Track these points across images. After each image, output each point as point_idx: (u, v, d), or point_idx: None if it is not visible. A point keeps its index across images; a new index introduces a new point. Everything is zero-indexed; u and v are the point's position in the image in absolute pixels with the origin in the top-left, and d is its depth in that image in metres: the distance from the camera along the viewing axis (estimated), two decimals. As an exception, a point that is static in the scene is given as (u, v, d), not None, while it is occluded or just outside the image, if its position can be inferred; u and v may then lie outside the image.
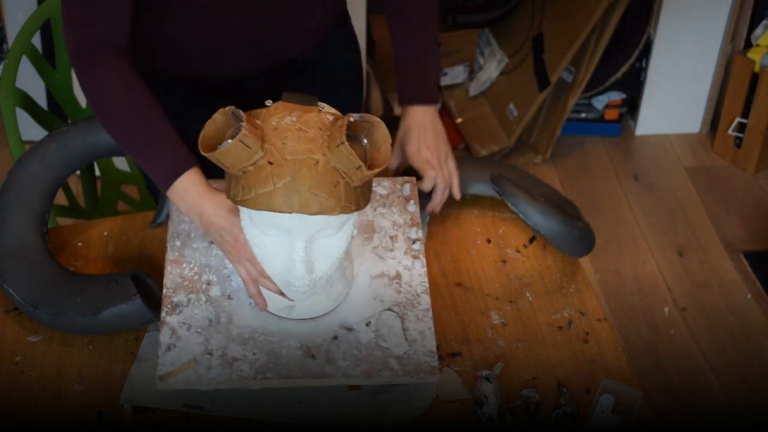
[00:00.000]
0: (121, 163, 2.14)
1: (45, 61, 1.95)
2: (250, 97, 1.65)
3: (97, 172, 2.13)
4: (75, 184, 2.69)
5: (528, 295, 1.55)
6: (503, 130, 3.23)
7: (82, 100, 2.06)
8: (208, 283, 1.42)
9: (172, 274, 1.43)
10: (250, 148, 1.20)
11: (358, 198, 1.25)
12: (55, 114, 2.02)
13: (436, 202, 1.60)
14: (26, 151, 1.58)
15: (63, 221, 1.83)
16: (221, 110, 1.25)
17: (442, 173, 1.59)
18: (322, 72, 1.74)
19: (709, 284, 2.76)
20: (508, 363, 1.43)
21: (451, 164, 1.62)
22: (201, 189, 1.38)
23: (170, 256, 1.45)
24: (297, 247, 1.27)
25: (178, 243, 1.47)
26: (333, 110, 1.30)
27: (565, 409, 1.36)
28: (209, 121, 1.25)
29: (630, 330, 2.60)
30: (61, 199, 2.02)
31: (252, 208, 1.24)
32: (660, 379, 2.47)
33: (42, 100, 2.89)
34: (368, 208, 1.53)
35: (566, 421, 1.36)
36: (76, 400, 1.36)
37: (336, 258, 1.31)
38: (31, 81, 2.12)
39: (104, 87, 1.40)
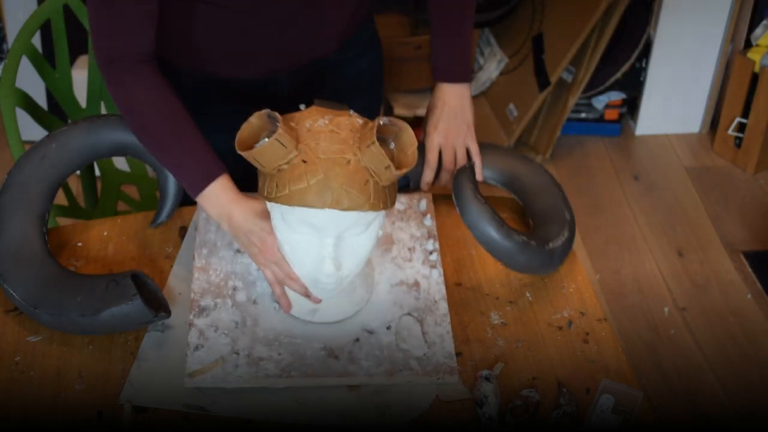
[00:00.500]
0: (121, 163, 2.14)
1: (45, 61, 1.95)
2: (273, 97, 1.66)
3: (97, 172, 2.13)
4: (75, 184, 2.68)
5: (528, 295, 1.55)
6: (503, 130, 3.23)
7: (82, 100, 2.06)
8: (234, 289, 1.47)
9: (199, 280, 1.47)
10: (285, 147, 1.26)
11: (386, 197, 1.32)
12: (55, 114, 2.02)
13: (442, 179, 1.64)
14: (26, 151, 1.58)
15: (63, 221, 1.83)
16: (257, 113, 1.31)
17: (447, 155, 1.63)
18: (346, 72, 1.74)
19: (709, 284, 2.77)
20: (508, 363, 1.43)
21: (473, 147, 1.65)
22: (231, 195, 1.42)
23: (197, 263, 1.50)
24: (327, 243, 1.32)
25: (204, 251, 1.51)
26: (361, 117, 1.35)
27: (565, 409, 1.36)
28: (245, 124, 1.31)
29: (630, 330, 2.60)
30: (61, 199, 2.01)
31: (286, 204, 1.29)
32: (660, 379, 2.47)
33: (42, 100, 2.88)
34: (387, 222, 1.59)
35: (566, 421, 1.36)
36: (76, 400, 1.36)
37: (363, 257, 1.36)
38: (31, 81, 2.12)
39: (134, 97, 1.43)
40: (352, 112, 1.34)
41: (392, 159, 1.28)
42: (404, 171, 1.28)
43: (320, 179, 1.26)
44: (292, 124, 1.30)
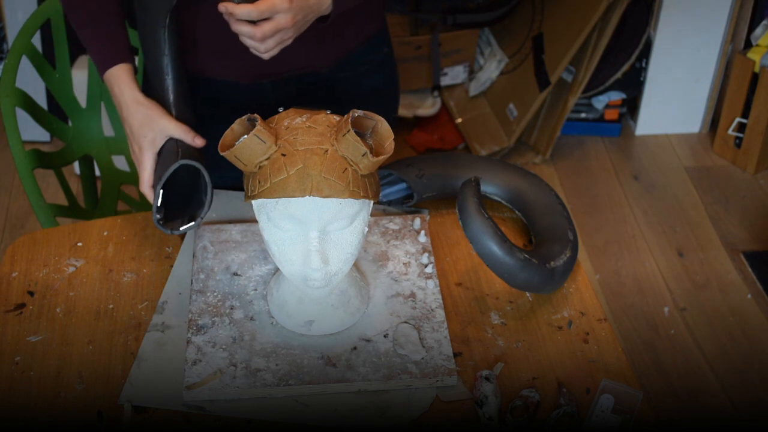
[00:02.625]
0: (121, 163, 2.14)
1: (45, 61, 1.95)
2: (258, 105, 1.66)
3: (97, 172, 2.13)
4: (75, 184, 2.69)
5: (528, 295, 1.55)
6: (503, 130, 3.23)
7: (82, 100, 2.06)
8: (232, 308, 1.48)
9: (197, 302, 1.48)
10: (264, 142, 1.29)
11: (366, 186, 1.33)
12: (55, 114, 2.02)
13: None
14: None
15: (63, 221, 1.83)
16: (238, 120, 1.33)
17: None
18: (344, 91, 1.74)
19: (709, 284, 2.77)
20: (508, 363, 1.43)
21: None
22: (127, 85, 1.54)
23: (195, 287, 1.51)
24: (311, 236, 1.33)
25: (202, 276, 1.53)
26: (338, 115, 1.37)
27: (565, 409, 1.36)
28: (228, 131, 1.34)
29: (630, 330, 2.61)
30: (61, 198, 2.02)
31: (268, 197, 1.31)
32: (660, 379, 2.47)
33: (42, 100, 2.89)
34: (381, 241, 1.60)
35: (566, 421, 1.36)
36: (76, 400, 1.36)
37: (350, 252, 1.37)
38: (31, 81, 2.12)
39: None
40: (328, 111, 1.37)
41: (370, 149, 1.30)
42: (382, 158, 1.30)
43: (299, 169, 1.28)
44: (272, 124, 1.34)
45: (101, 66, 1.56)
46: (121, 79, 1.54)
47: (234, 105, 1.66)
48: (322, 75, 1.69)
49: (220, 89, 1.66)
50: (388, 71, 1.82)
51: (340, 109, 1.44)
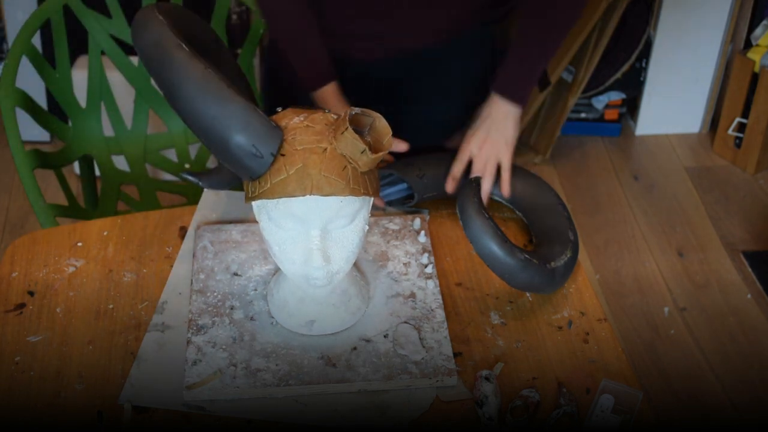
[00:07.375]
0: (121, 163, 2.14)
1: (45, 61, 1.95)
2: (370, 79, 1.73)
3: (97, 172, 2.13)
4: (75, 184, 2.69)
5: (528, 295, 1.55)
6: (503, 130, 3.22)
7: (82, 100, 2.06)
8: (232, 308, 1.48)
9: (197, 302, 1.49)
10: None
11: (366, 183, 1.33)
12: (55, 114, 2.02)
13: (483, 189, 1.63)
14: None
15: (63, 221, 1.83)
16: None
17: (477, 164, 1.64)
18: (443, 68, 1.76)
19: (709, 284, 2.77)
20: (508, 363, 1.43)
21: (504, 162, 1.65)
22: (336, 102, 1.67)
23: (195, 287, 1.51)
24: (313, 235, 1.33)
25: (202, 276, 1.53)
26: (336, 114, 1.37)
27: (565, 409, 1.36)
28: None
29: (630, 330, 2.61)
30: (61, 198, 2.02)
31: (269, 198, 1.31)
32: (660, 379, 2.47)
33: (42, 100, 2.89)
34: (381, 241, 1.61)
35: (566, 421, 1.36)
36: (76, 400, 1.36)
37: (351, 251, 1.37)
38: (31, 81, 2.12)
39: (284, 8, 1.65)
40: (327, 110, 1.37)
41: (369, 146, 1.30)
42: (380, 155, 1.30)
43: (299, 168, 1.29)
44: None
45: (309, 84, 1.67)
46: (330, 95, 1.67)
47: (348, 80, 1.71)
48: (430, 50, 1.73)
49: (337, 67, 1.71)
50: (480, 51, 1.82)
51: (429, 90, 1.54)
